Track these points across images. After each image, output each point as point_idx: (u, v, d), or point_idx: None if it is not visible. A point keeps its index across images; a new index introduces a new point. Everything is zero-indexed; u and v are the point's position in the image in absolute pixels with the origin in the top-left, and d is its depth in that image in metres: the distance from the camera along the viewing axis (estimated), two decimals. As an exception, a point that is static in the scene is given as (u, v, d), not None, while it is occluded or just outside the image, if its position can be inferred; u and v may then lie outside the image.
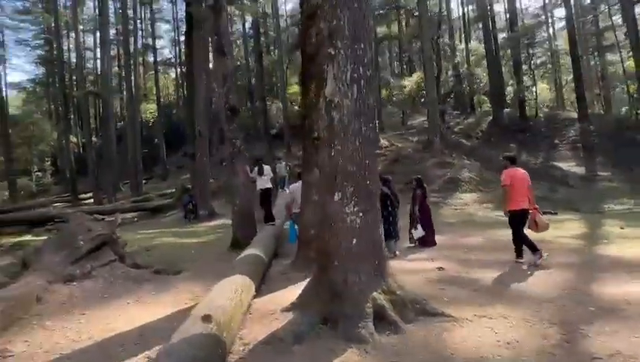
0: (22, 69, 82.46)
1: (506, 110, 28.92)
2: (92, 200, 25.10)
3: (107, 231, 6.03)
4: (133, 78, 28.59)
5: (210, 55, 11.16)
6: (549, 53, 30.03)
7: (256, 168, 9.37)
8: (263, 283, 5.75)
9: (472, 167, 17.99)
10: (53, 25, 30.28)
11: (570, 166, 20.60)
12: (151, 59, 37.57)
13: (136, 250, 9.74)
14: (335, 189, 4.12)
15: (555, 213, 13.33)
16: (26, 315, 4.95)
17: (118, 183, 27.50)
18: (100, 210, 16.83)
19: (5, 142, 25.07)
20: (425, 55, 18.75)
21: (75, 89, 30.60)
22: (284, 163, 17.91)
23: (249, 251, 6.17)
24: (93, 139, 29.60)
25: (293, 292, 5.08)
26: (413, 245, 8.61)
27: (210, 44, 11.18)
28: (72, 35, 30.86)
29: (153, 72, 36.61)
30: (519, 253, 6.33)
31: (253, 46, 33.52)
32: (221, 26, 9.00)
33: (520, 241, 6.29)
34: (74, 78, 32.05)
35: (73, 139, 31.38)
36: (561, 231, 9.76)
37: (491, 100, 29.24)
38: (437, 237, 9.06)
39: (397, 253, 7.74)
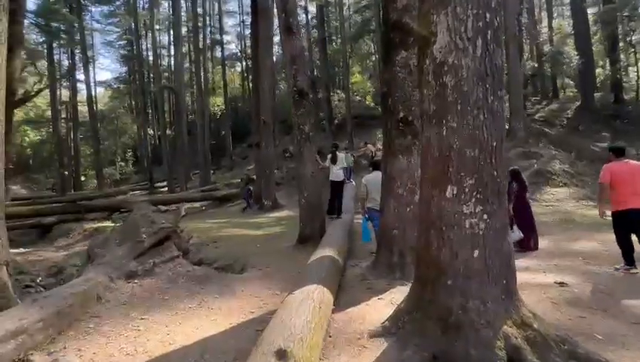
0: (108, 68, 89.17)
1: (597, 94, 25.49)
2: (166, 188, 25.94)
3: (171, 224, 5.40)
4: (202, 72, 29.01)
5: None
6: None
7: (329, 156, 8.43)
8: (340, 290, 4.80)
9: (562, 157, 15.71)
10: (133, 26, 31.57)
11: (683, 157, 17.44)
12: (218, 54, 38.15)
13: (204, 240, 9.28)
14: (448, 182, 2.99)
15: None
16: (84, 316, 4.42)
17: (189, 173, 28.15)
18: (170, 198, 16.98)
19: (94, 135, 26.59)
20: (508, 32, 16.60)
21: (151, 85, 31.78)
22: (348, 153, 16.91)
23: (323, 251, 5.22)
24: (168, 131, 30.56)
25: (378, 308, 4.06)
26: (515, 249, 7.19)
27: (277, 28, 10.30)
28: (149, 34, 32.01)
29: (220, 66, 37.15)
30: (626, 259, 5.31)
31: (316, 35, 32.66)
32: (289, 2, 8.09)
33: (620, 246, 5.33)
34: (151, 74, 33.34)
35: (150, 131, 32.72)
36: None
37: (579, 83, 25.91)
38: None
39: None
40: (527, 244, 7.02)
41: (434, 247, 3.08)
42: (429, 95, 3.16)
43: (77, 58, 28.97)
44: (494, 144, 2.98)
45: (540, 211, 11.81)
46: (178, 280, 4.94)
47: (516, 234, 6.98)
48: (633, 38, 23.63)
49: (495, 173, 2.97)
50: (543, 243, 7.64)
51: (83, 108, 30.91)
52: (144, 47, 34.61)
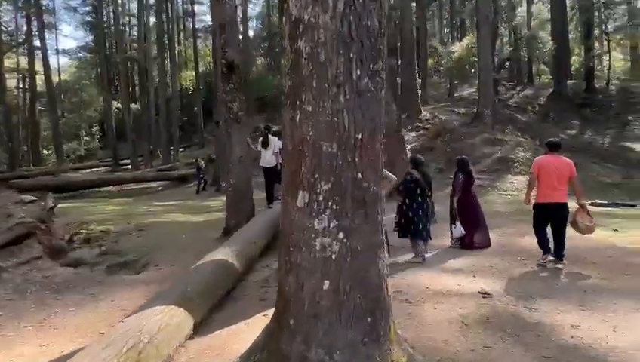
0: (73, 36, 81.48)
1: (570, 82, 24.99)
2: (130, 166, 24.66)
3: (32, 219, 4.48)
4: (171, 45, 27.31)
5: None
6: (626, 17, 25.32)
7: (260, 140, 7.53)
8: (230, 300, 4.01)
9: (527, 145, 15.15)
10: (97, -10, 29.43)
11: (647, 147, 17.16)
12: (196, 26, 36.17)
13: (131, 229, 8.38)
14: (300, 185, 2.17)
15: (634, 206, 10.55)
16: None
17: (156, 150, 26.86)
18: (123, 178, 15.84)
19: (52, 107, 24.80)
20: (480, 13, 15.69)
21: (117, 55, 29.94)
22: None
23: (219, 253, 4.40)
24: (134, 105, 29.00)
25: (253, 330, 3.26)
26: (456, 246, 6.52)
27: None
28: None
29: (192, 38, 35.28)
30: (542, 248, 5.31)
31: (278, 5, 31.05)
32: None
33: (537, 236, 5.35)
34: (117, 44, 31.41)
35: (119, 105, 31.02)
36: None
37: (553, 70, 25.35)
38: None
39: (425, 256, 5.71)
40: (470, 242, 6.34)
41: (282, 272, 2.27)
42: (286, 66, 2.29)
43: (35, 23, 26.86)
44: (359, 136, 2.14)
45: (499, 200, 11.25)
46: (28, 288, 4.07)
47: (458, 229, 6.30)
48: (608, 26, 23.00)
49: (359, 175, 2.15)
50: (492, 238, 7.01)
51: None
52: (111, 14, 32.41)
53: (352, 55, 2.09)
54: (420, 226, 5.61)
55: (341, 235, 2.10)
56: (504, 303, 3.92)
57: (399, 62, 17.99)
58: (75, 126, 31.09)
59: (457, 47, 20.48)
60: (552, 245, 5.34)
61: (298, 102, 2.18)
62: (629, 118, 20.14)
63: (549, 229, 5.35)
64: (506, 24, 22.34)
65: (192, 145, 31.59)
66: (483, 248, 6.27)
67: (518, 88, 26.93)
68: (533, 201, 5.38)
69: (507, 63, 22.30)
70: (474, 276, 4.89)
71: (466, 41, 20.74)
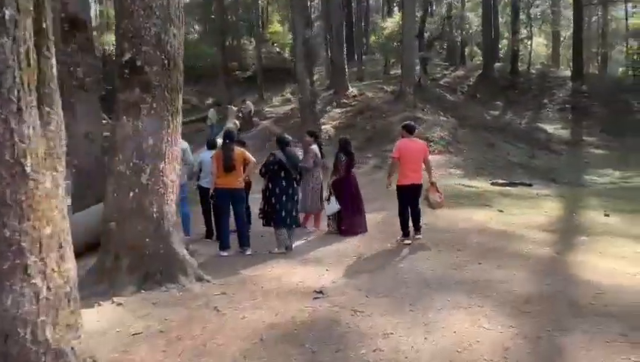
0: None
1: (498, 64, 25.57)
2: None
3: None
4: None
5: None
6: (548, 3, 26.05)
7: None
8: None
9: (446, 124, 15.13)
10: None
11: (556, 129, 17.86)
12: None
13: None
14: None
15: (530, 185, 10.76)
16: None
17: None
18: None
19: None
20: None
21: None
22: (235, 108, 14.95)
23: None
24: None
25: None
26: (332, 231, 6.07)
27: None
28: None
29: None
30: (404, 231, 5.50)
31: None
32: None
33: (399, 217, 5.54)
34: None
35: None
36: (532, 215, 7.24)
37: (483, 52, 25.78)
38: (374, 216, 6.56)
39: (290, 245, 5.19)
40: (344, 228, 5.91)
41: None
42: None
43: None
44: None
45: (407, 180, 11.04)
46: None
47: (333, 205, 5.84)
48: (531, 12, 23.53)
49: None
50: (377, 218, 6.65)
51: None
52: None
53: None
54: (283, 213, 5.05)
55: None
56: (332, 305, 3.45)
57: (330, 38, 17.24)
58: None
59: (389, 24, 19.93)
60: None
61: None
62: (545, 100, 20.89)
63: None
64: (438, 2, 22.14)
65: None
66: (357, 234, 5.86)
67: (451, 68, 27.25)
68: (394, 184, 5.58)
69: (437, 41, 22.06)
70: (327, 269, 4.43)
71: (396, 17, 20.25)
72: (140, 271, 3.64)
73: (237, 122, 16.28)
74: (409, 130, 5.63)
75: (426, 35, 19.19)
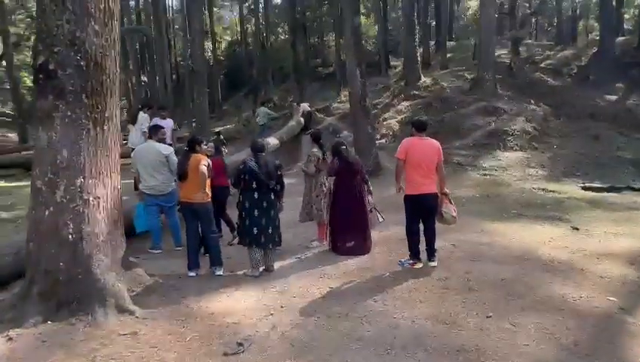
0: None
1: (621, 38, 20.97)
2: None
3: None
4: (190, 15, 26.43)
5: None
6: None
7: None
8: None
9: (534, 115, 12.64)
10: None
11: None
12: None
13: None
14: None
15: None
16: None
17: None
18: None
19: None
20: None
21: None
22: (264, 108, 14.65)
23: None
24: (144, 78, 28.91)
25: None
26: (322, 247, 5.17)
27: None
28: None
29: (218, 9, 34.24)
30: (413, 252, 4.49)
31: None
32: None
33: (407, 234, 4.52)
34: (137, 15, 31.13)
35: (145, 79, 31.18)
36: (621, 237, 5.35)
37: (601, 25, 21.32)
38: (400, 229, 5.44)
39: (270, 266, 4.44)
40: (337, 245, 4.93)
41: None
42: None
43: None
44: None
45: (471, 182, 9.31)
46: None
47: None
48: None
49: None
50: (399, 234, 5.50)
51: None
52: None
53: None
54: (255, 231, 4.29)
55: None
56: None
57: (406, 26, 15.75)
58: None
59: (472, 2, 17.50)
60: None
61: None
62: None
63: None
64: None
65: (211, 117, 31.27)
66: (354, 255, 4.83)
67: (558, 47, 23.18)
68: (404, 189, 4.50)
69: (532, 16, 18.78)
70: (282, 306, 3.58)
71: (482, -6, 17.63)
72: (52, 299, 3.25)
73: (302, 120, 15.88)
74: (419, 127, 4.51)
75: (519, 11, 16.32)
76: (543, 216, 6.47)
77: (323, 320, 3.26)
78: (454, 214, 4.47)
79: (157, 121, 7.57)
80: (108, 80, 3.48)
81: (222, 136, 17.28)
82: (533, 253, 4.69)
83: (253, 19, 31.95)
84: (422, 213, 4.42)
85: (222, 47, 35.70)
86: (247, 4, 34.16)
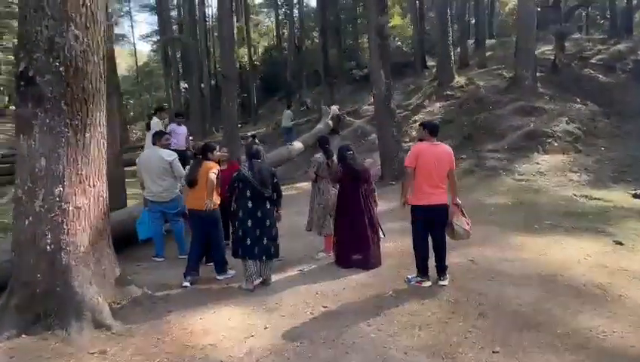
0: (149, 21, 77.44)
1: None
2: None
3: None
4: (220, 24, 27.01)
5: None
6: None
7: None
8: None
9: (578, 114, 11.57)
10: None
11: None
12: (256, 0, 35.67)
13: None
14: None
15: None
16: None
17: (210, 128, 27.43)
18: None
19: (116, 91, 26.62)
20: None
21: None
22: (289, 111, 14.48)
23: None
24: (184, 85, 29.72)
25: None
26: (329, 259, 4.82)
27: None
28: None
29: (254, 15, 34.75)
30: (420, 269, 4.06)
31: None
32: None
33: (415, 249, 4.10)
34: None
35: (184, 85, 32.22)
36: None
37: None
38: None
39: (267, 280, 4.19)
40: (342, 257, 4.57)
41: None
42: None
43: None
44: None
45: (503, 188, 8.57)
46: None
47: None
48: None
49: None
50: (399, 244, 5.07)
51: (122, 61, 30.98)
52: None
53: None
54: (249, 241, 4.04)
55: None
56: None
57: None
58: (148, 106, 33.19)
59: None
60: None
61: None
62: None
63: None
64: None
65: (247, 122, 31.71)
66: (357, 267, 4.45)
67: (611, 41, 21.31)
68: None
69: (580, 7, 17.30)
70: (265, 327, 3.32)
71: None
72: (29, 311, 3.15)
73: (330, 122, 15.60)
74: (430, 131, 4.08)
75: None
76: (582, 228, 5.74)
77: (305, 346, 2.93)
78: (467, 228, 3.97)
79: (173, 127, 7.56)
80: (90, 86, 3.36)
81: (256, 139, 17.55)
82: (564, 272, 4.08)
83: (288, 24, 32.16)
84: (431, 225, 3.98)
85: (259, 52, 36.26)
86: (282, 10, 34.50)
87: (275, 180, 4.17)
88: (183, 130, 7.64)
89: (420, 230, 4.01)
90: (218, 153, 4.59)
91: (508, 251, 4.84)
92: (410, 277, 4.10)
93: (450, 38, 15.52)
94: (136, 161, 5.24)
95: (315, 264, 4.83)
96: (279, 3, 34.28)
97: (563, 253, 4.69)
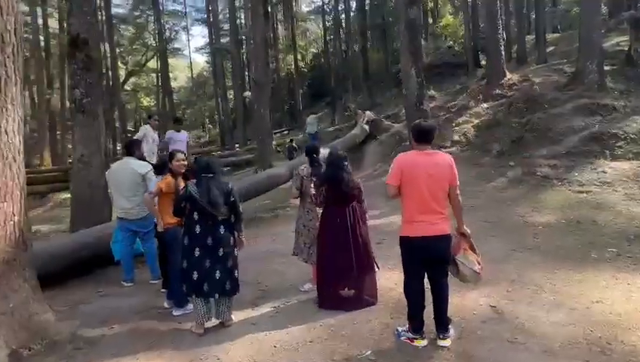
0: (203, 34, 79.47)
1: None
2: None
3: None
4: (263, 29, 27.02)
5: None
6: None
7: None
8: None
9: (659, 111, 9.44)
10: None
11: None
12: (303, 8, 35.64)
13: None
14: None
15: None
16: None
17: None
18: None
19: (170, 100, 27.60)
20: None
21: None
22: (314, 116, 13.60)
23: None
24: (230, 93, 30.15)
25: None
26: (311, 290, 3.89)
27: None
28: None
29: (302, 22, 34.69)
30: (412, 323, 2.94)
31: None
32: None
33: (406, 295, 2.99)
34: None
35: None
36: None
37: None
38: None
39: (226, 320, 3.37)
40: (324, 296, 3.59)
41: None
42: None
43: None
44: None
45: (555, 202, 7.00)
46: None
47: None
48: None
49: None
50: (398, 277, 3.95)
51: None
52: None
53: None
54: (195, 275, 3.23)
55: None
56: None
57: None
58: (202, 115, 34.25)
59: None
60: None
61: None
62: None
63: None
64: None
65: (294, 128, 31.49)
66: (341, 309, 3.47)
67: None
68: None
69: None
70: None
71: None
72: None
73: (366, 127, 14.57)
74: (419, 136, 2.92)
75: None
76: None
77: None
78: (477, 268, 2.83)
79: (171, 134, 7.04)
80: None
81: (294, 143, 17.02)
82: (624, 334, 2.78)
83: (334, 29, 31.59)
84: (426, 264, 2.89)
85: (307, 59, 36.12)
86: (331, 15, 33.99)
87: (233, 198, 3.32)
88: (182, 136, 7.09)
89: (411, 271, 2.93)
90: (177, 163, 3.84)
91: (546, 293, 3.56)
92: (399, 329, 3.03)
93: (503, 33, 13.76)
94: (106, 173, 4.69)
95: (296, 298, 3.91)
96: (327, 10, 33.84)
97: (627, 301, 3.33)
